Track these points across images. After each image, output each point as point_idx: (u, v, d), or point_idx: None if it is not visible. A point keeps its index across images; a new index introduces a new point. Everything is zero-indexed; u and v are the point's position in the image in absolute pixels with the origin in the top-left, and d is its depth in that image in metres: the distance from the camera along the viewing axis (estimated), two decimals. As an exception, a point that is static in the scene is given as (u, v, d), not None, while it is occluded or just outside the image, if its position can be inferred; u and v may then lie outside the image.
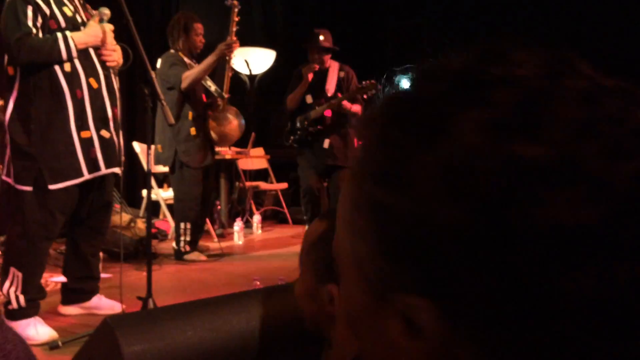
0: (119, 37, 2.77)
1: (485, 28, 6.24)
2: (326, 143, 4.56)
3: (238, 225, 5.17)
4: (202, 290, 3.06)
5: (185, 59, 4.23)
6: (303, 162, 4.77)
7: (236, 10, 4.14)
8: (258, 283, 2.76)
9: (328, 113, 4.59)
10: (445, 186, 0.33)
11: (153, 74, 2.70)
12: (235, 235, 5.16)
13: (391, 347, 0.37)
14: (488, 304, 0.32)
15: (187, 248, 4.29)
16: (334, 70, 4.70)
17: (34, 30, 2.49)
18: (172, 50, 4.26)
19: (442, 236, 0.33)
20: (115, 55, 2.71)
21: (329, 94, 4.63)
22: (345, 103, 4.50)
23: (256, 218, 5.73)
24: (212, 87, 4.35)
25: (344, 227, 0.40)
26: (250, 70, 6.28)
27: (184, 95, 4.11)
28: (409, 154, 0.35)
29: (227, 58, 4.18)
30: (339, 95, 4.63)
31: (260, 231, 5.71)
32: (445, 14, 7.07)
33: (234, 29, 4.09)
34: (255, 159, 6.26)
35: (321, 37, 4.59)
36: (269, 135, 7.86)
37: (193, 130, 4.14)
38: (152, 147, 4.31)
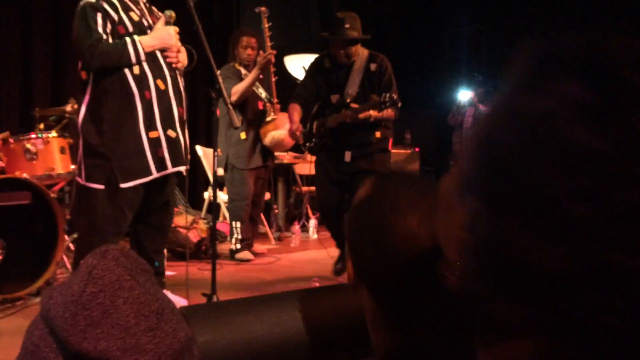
0: (181, 39, 2.88)
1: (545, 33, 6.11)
2: (347, 156, 3.69)
3: (295, 229, 5.27)
4: (261, 289, 3.15)
5: (241, 70, 4.44)
6: (320, 173, 3.91)
7: (265, 17, 4.26)
8: (317, 283, 2.82)
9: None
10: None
11: (220, 78, 2.80)
12: (292, 239, 5.26)
13: (453, 234, 0.45)
14: None
15: (238, 246, 4.43)
16: (359, 64, 3.68)
17: (104, 36, 2.62)
18: (230, 63, 4.50)
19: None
20: (180, 56, 2.83)
21: (348, 99, 3.65)
22: (367, 113, 3.54)
23: (312, 222, 5.80)
24: (263, 94, 4.51)
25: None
26: (307, 76, 6.37)
27: (235, 105, 4.29)
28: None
29: (269, 67, 4.33)
30: (371, 96, 3.64)
31: (316, 235, 5.77)
32: (505, 20, 6.96)
33: (267, 35, 4.24)
34: (312, 164, 6.34)
35: (347, 25, 3.58)
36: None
37: (243, 135, 4.36)
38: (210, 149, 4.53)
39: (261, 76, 4.39)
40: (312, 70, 3.83)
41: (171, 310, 0.65)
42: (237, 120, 2.83)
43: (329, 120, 3.71)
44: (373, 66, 3.67)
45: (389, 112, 3.58)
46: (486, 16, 7.41)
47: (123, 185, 2.64)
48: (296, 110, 3.74)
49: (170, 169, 2.78)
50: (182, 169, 2.86)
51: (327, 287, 2.27)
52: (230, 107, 2.80)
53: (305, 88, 3.82)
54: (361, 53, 3.71)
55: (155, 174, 2.72)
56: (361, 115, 3.50)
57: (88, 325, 0.59)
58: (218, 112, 4.48)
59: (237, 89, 4.22)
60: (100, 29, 2.61)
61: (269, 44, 4.25)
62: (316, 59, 3.88)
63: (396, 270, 0.83)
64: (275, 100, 4.47)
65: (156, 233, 2.98)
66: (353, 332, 1.59)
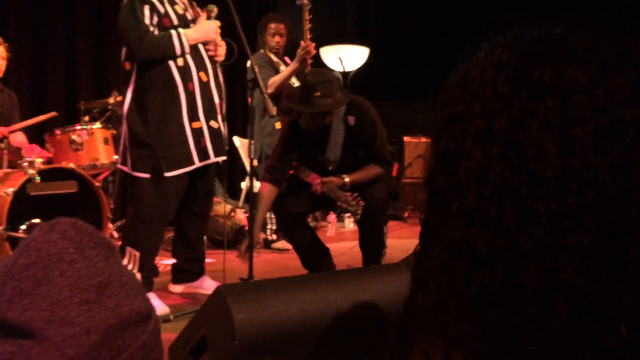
0: (221, 33, 2.95)
1: (586, 20, 5.99)
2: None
3: (331, 218, 5.33)
4: (295, 274, 3.21)
5: (273, 57, 4.40)
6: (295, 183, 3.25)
7: (307, 9, 4.22)
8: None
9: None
10: None
11: (257, 69, 2.86)
12: (329, 228, 5.32)
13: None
14: None
15: (274, 237, 4.48)
16: (337, 121, 3.04)
17: (151, 28, 2.69)
18: (261, 51, 4.45)
19: None
20: (220, 50, 2.90)
21: (330, 166, 3.08)
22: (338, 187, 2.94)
23: (348, 212, 5.84)
24: (296, 85, 4.49)
25: None
26: (343, 67, 6.40)
27: (271, 97, 4.29)
28: None
29: (307, 61, 4.28)
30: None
31: (352, 225, 5.82)
32: (546, 7, 6.85)
33: (307, 27, 4.17)
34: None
35: (317, 93, 2.88)
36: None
37: (277, 125, 4.29)
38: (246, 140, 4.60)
39: None
40: (287, 137, 3.19)
41: (120, 285, 0.63)
42: (272, 108, 2.87)
43: (304, 174, 3.14)
44: (351, 119, 3.05)
45: (373, 172, 3.02)
46: (526, 3, 7.29)
47: (167, 174, 2.72)
48: (268, 193, 3.11)
49: (213, 159, 2.85)
50: (223, 158, 2.94)
51: (359, 268, 2.32)
52: (266, 96, 2.85)
53: (281, 161, 3.16)
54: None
55: (197, 164, 2.79)
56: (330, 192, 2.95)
57: (15, 295, 0.58)
58: (250, 100, 4.55)
59: (274, 81, 4.21)
60: (147, 21, 2.67)
61: (308, 36, 4.22)
62: (291, 122, 3.21)
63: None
64: None
65: (198, 220, 3.07)
66: (384, 312, 1.64)
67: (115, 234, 4.12)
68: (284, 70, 4.29)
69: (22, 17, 4.81)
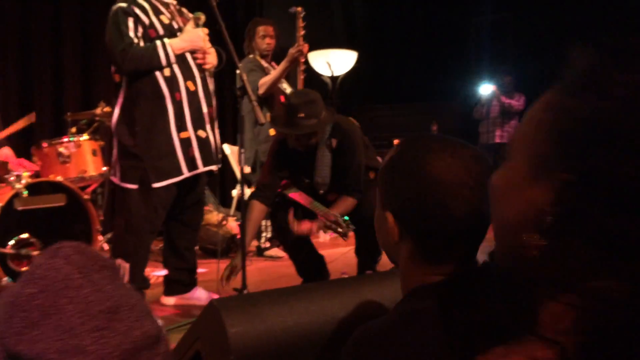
0: (209, 41, 2.91)
1: (572, 21, 6.04)
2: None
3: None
4: (291, 284, 3.18)
5: (262, 62, 4.35)
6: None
7: (301, 16, 4.21)
8: (346, 275, 2.84)
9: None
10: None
11: (244, 76, 2.83)
12: (322, 235, 5.28)
13: (534, 211, 0.58)
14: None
15: (268, 244, 4.45)
16: (323, 148, 2.96)
17: (135, 40, 2.66)
18: (250, 55, 4.41)
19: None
20: (210, 57, 2.86)
21: (321, 190, 3.02)
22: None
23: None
24: (288, 90, 4.46)
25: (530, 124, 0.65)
26: (332, 72, 6.38)
27: (262, 99, 4.26)
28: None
29: (299, 62, 4.25)
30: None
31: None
32: (533, 8, 6.88)
33: (301, 34, 4.17)
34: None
35: (300, 115, 2.81)
36: (352, 135, 7.95)
37: (272, 131, 4.18)
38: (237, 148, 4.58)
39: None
40: (276, 153, 3.11)
41: (130, 308, 0.62)
42: (262, 116, 2.83)
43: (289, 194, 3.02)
44: (334, 142, 2.99)
45: (348, 204, 2.91)
46: (512, 4, 7.32)
47: (155, 185, 2.70)
48: (257, 212, 3.02)
49: (201, 169, 2.82)
50: (213, 167, 2.91)
51: (355, 277, 2.30)
52: (255, 104, 2.81)
53: (271, 178, 3.08)
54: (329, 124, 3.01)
55: (186, 174, 2.77)
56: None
57: (24, 327, 0.57)
58: (240, 108, 4.50)
59: (265, 81, 4.16)
60: (131, 34, 2.66)
61: (301, 42, 4.20)
62: (276, 142, 3.14)
63: (439, 202, 0.89)
64: None
65: (187, 230, 3.04)
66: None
67: (106, 246, 4.07)
68: (275, 70, 4.25)
69: (5, 29, 4.75)
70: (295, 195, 3.00)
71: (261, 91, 4.17)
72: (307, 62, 6.79)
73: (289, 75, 4.50)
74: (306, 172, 3.05)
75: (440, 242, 0.91)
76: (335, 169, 2.96)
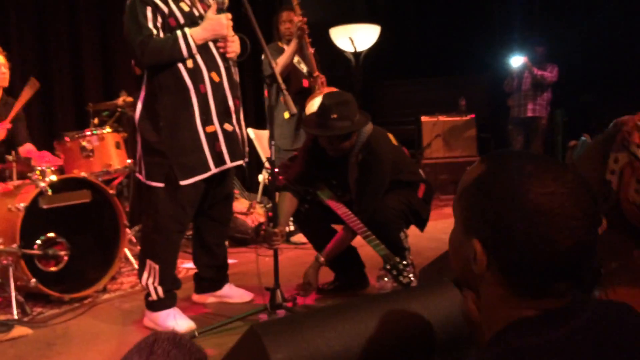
0: (233, 27, 2.74)
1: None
2: None
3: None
4: (324, 276, 3.08)
5: (285, 47, 4.30)
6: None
7: None
8: (382, 271, 2.72)
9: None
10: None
11: (273, 63, 2.68)
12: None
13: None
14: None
15: (292, 228, 4.36)
16: (356, 151, 2.86)
17: (154, 31, 2.51)
18: (276, 43, 4.39)
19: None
20: (234, 46, 2.72)
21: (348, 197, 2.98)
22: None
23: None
24: (305, 70, 4.35)
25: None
26: (354, 48, 6.20)
27: (267, 83, 4.19)
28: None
29: (304, 37, 4.17)
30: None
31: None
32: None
33: (295, 3, 4.11)
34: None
35: (333, 115, 2.72)
36: (379, 112, 7.77)
37: (286, 114, 4.05)
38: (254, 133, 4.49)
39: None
40: (307, 154, 3.05)
41: None
42: (293, 106, 2.69)
43: (323, 197, 2.99)
44: (360, 156, 2.86)
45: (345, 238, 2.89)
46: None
47: (182, 183, 2.58)
48: (288, 203, 3.00)
49: (229, 164, 2.69)
50: (241, 162, 2.78)
51: (398, 292, 2.15)
52: (286, 93, 2.68)
53: (303, 175, 3.04)
54: (363, 134, 2.85)
55: (213, 170, 2.64)
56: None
57: None
58: (266, 93, 4.41)
59: (278, 62, 4.11)
60: (150, 24, 2.51)
61: (298, 12, 4.11)
62: (309, 139, 3.06)
63: (540, 233, 0.80)
64: (316, 74, 4.24)
65: (217, 226, 2.93)
66: (434, 339, 1.50)
67: (134, 239, 4.01)
68: (285, 51, 4.22)
69: (23, 21, 4.65)
70: (333, 204, 2.93)
71: (267, 73, 4.11)
72: (329, 38, 6.63)
73: (304, 56, 4.36)
74: (336, 178, 2.99)
75: (539, 277, 0.82)
76: (355, 182, 2.87)
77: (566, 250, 0.79)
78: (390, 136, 3.04)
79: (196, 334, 2.53)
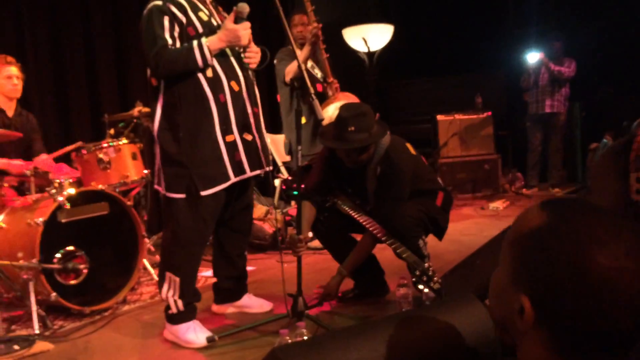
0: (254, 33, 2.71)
1: None
2: None
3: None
4: (345, 283, 3.05)
5: (298, 51, 4.23)
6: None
7: None
8: (405, 281, 2.69)
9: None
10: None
11: (303, 67, 2.64)
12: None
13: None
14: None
15: (310, 235, 4.33)
16: (374, 165, 2.85)
17: (170, 41, 2.48)
18: (288, 46, 4.30)
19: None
20: (256, 57, 2.69)
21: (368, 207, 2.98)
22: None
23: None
24: (319, 74, 4.31)
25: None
26: (368, 48, 6.15)
27: (293, 87, 4.14)
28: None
29: (318, 42, 4.13)
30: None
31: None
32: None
33: (310, 9, 4.06)
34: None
35: (351, 128, 2.71)
36: (394, 112, 7.72)
37: (303, 119, 4.09)
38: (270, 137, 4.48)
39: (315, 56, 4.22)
40: (324, 164, 3.04)
41: None
42: (320, 112, 2.66)
43: (345, 207, 2.98)
44: (378, 169, 2.84)
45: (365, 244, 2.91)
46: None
47: (204, 193, 2.55)
48: (308, 211, 3.00)
49: (249, 173, 2.66)
50: (260, 171, 2.74)
51: (427, 307, 2.11)
52: (315, 98, 2.64)
53: (320, 185, 3.05)
54: (381, 145, 2.84)
55: (233, 179, 2.61)
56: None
57: None
58: (279, 97, 4.39)
59: (290, 69, 4.10)
60: (167, 34, 2.48)
61: (313, 18, 4.08)
62: (326, 151, 3.05)
63: (601, 309, 0.73)
64: (331, 79, 4.23)
65: (237, 236, 2.91)
66: (458, 355, 1.46)
67: (152, 248, 4.01)
68: (298, 56, 4.13)
69: (37, 33, 4.66)
70: (354, 213, 2.90)
71: (287, 79, 4.11)
72: (341, 39, 6.59)
73: (318, 60, 4.34)
74: (353, 187, 2.97)
75: (591, 347, 0.76)
76: (375, 194, 2.85)
77: (625, 327, 0.73)
78: (409, 145, 2.99)
79: (216, 338, 2.56)
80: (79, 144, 3.59)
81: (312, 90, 2.63)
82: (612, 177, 1.49)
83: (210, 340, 2.56)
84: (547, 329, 0.78)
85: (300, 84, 2.67)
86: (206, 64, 2.52)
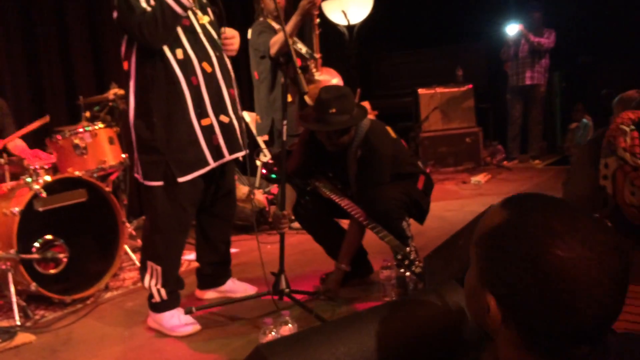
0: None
1: None
2: None
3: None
4: (328, 262, 3.04)
5: (274, 24, 4.08)
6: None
7: None
8: (388, 263, 2.68)
9: None
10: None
11: (290, 41, 2.55)
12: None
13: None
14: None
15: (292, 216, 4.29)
16: (355, 147, 2.82)
17: (148, 8, 2.38)
18: (260, 19, 4.15)
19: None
20: (235, 42, 2.64)
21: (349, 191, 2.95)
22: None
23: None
24: (303, 50, 4.17)
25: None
26: (348, 21, 6.06)
27: (277, 62, 3.99)
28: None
29: (313, 16, 3.92)
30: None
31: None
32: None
33: None
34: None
35: (332, 110, 2.68)
36: (375, 86, 7.66)
37: (289, 97, 4.01)
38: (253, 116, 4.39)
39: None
40: (305, 148, 3.00)
41: None
42: (305, 85, 2.61)
43: (325, 190, 2.93)
44: (359, 152, 2.80)
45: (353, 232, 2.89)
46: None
47: (180, 180, 2.50)
48: (289, 193, 2.93)
49: (228, 157, 2.62)
50: (240, 154, 2.71)
51: (409, 298, 2.10)
52: (299, 71, 2.58)
53: (301, 168, 3.02)
54: (361, 128, 2.80)
55: (212, 164, 2.56)
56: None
57: None
58: (256, 74, 4.25)
59: (275, 40, 3.87)
60: (143, 3, 2.38)
61: None
62: (306, 132, 2.99)
63: (562, 301, 0.74)
64: (318, 55, 4.15)
65: (221, 222, 2.87)
66: (444, 344, 1.46)
67: (134, 232, 3.96)
68: (286, 28, 3.95)
69: (9, 16, 4.48)
70: (335, 196, 2.87)
71: (272, 51, 3.89)
72: (321, 14, 6.48)
73: (302, 34, 4.20)
74: (334, 171, 2.94)
75: (557, 342, 0.76)
76: (355, 178, 2.83)
77: (588, 319, 0.73)
78: (389, 129, 2.96)
79: (194, 309, 2.58)
80: (47, 118, 3.48)
81: (297, 67, 2.57)
82: (587, 163, 1.50)
83: (188, 311, 2.58)
84: (515, 327, 0.79)
85: (286, 59, 2.60)
86: (185, 8, 2.40)
